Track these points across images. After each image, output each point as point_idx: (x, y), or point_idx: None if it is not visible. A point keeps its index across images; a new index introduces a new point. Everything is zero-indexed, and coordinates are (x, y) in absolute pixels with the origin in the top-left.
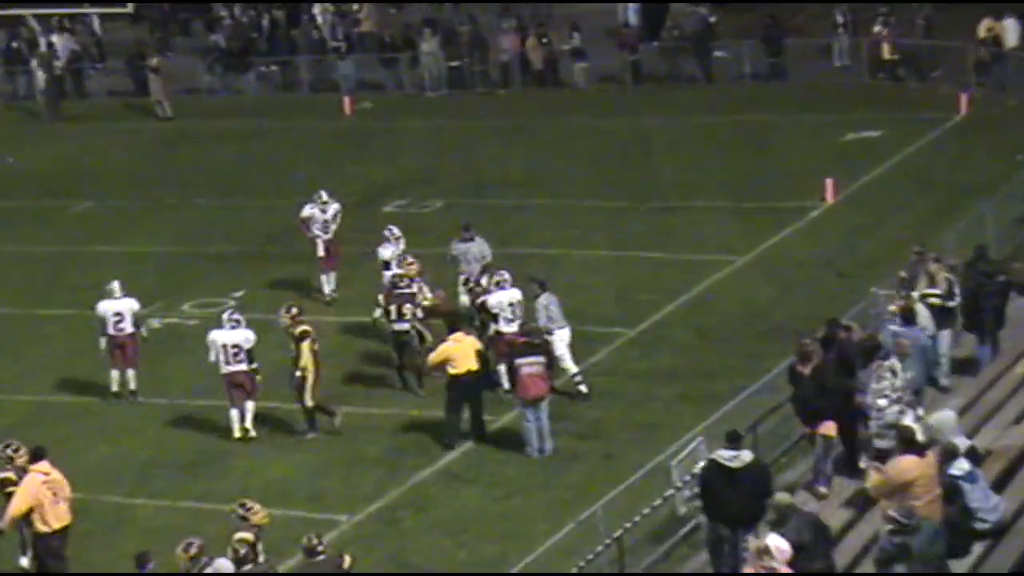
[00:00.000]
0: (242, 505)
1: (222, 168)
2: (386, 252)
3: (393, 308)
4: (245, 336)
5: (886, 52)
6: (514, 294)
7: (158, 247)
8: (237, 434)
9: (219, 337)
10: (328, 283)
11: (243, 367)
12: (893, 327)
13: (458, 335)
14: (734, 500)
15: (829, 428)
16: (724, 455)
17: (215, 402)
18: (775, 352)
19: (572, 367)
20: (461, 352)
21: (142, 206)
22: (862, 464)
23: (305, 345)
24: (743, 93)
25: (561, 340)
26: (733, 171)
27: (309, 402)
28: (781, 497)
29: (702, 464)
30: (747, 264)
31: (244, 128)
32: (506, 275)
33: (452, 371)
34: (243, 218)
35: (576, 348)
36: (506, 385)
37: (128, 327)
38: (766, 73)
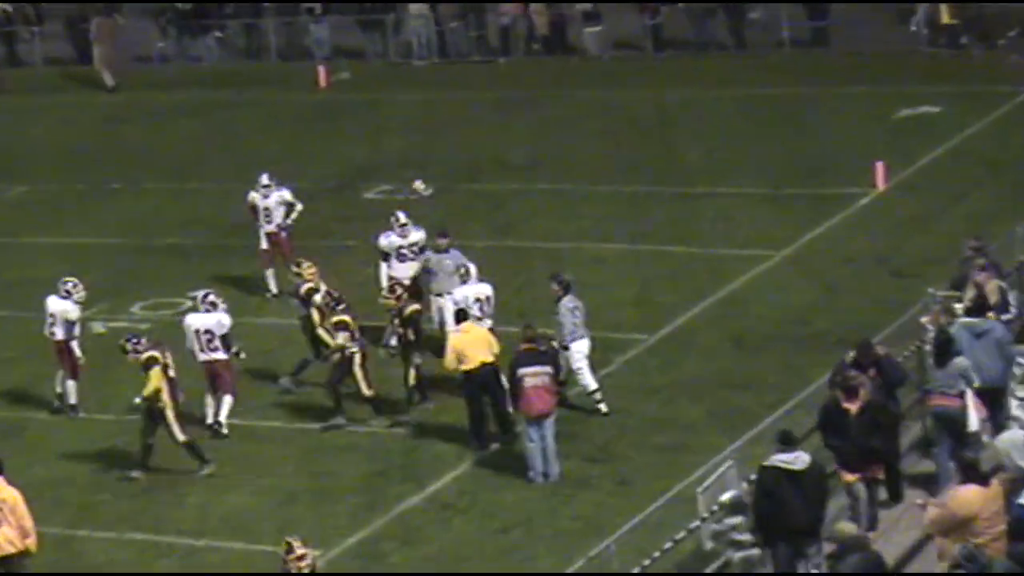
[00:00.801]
0: (289, 549)
1: (176, 148)
2: (383, 241)
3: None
4: (218, 320)
5: (945, 15)
6: (482, 288)
7: (102, 238)
8: (210, 419)
9: (193, 321)
10: (272, 280)
11: (218, 355)
12: (965, 319)
13: (466, 325)
14: (801, 508)
15: (878, 471)
16: (784, 458)
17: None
18: (817, 362)
19: (592, 383)
20: (472, 343)
21: (83, 191)
22: (919, 500)
23: (154, 373)
24: (781, 61)
25: (579, 351)
26: (769, 152)
27: (181, 436)
28: (845, 527)
29: (728, 489)
30: (785, 260)
31: (202, 101)
32: (472, 268)
33: (465, 367)
34: (201, 205)
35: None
36: None
37: (59, 333)
38: (807, 38)
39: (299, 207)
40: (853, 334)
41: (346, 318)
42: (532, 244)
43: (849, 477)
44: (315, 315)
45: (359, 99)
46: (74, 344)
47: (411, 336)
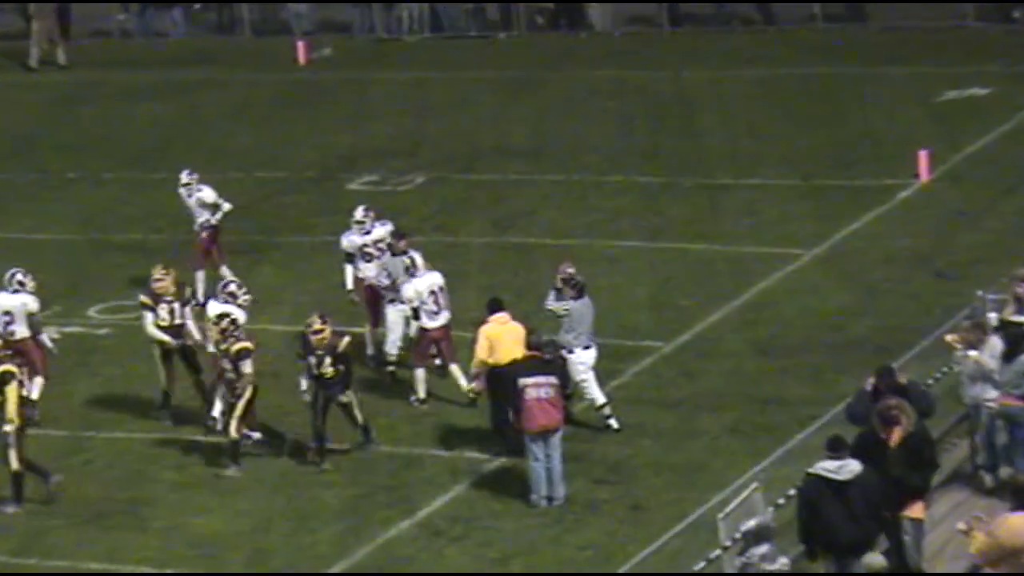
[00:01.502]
0: None
1: (139, 133)
2: (345, 241)
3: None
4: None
5: None
6: (434, 279)
7: (55, 234)
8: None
9: (213, 310)
10: (199, 283)
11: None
12: None
13: (502, 316)
14: (844, 522)
15: (918, 509)
16: (829, 466)
17: (128, 434)
18: (853, 373)
19: (599, 396)
20: (506, 336)
21: (34, 181)
22: (960, 526)
23: (10, 390)
24: (812, 38)
25: (584, 361)
26: (800, 139)
27: (15, 464)
28: (873, 562)
29: (753, 515)
30: (817, 259)
31: (168, 81)
32: (418, 258)
33: (492, 360)
34: (166, 197)
35: (597, 367)
36: (422, 394)
37: (20, 330)
38: (842, 13)
39: (226, 207)
40: (893, 341)
41: (249, 344)
42: (536, 241)
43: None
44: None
45: (343, 79)
46: (44, 337)
47: (344, 371)
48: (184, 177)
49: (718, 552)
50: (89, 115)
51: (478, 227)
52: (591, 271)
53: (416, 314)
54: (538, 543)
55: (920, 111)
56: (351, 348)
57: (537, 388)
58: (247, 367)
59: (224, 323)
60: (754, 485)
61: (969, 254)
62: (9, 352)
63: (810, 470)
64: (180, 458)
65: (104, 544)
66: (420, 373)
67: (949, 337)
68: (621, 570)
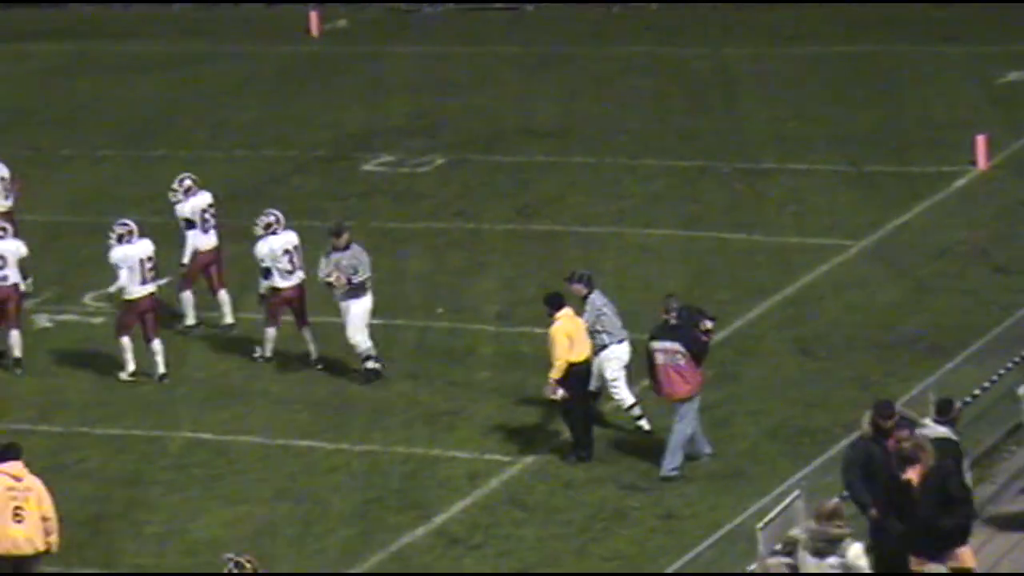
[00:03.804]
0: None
1: (139, 108)
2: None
3: None
4: (151, 247)
5: None
6: (289, 237)
7: (46, 215)
8: (132, 367)
9: (133, 252)
10: None
11: (155, 287)
12: None
13: (568, 311)
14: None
15: (967, 556)
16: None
17: (124, 431)
18: (903, 375)
19: (628, 397)
20: (579, 331)
21: (25, 158)
22: None
23: None
24: (862, 13)
25: (617, 359)
26: (848, 122)
27: None
28: None
29: (794, 525)
30: (866, 252)
31: (169, 53)
32: (279, 216)
33: (572, 358)
34: (166, 177)
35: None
36: (268, 353)
37: (12, 275)
38: None
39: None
40: (946, 341)
41: None
42: (563, 228)
43: (931, 565)
44: None
45: (358, 51)
46: (29, 282)
47: None
48: None
49: (754, 566)
50: (85, 88)
51: (501, 213)
52: (622, 262)
53: (267, 273)
54: (562, 553)
55: (979, 93)
56: None
57: (664, 354)
58: None
59: None
60: (796, 493)
61: None
62: None
63: None
64: (179, 458)
65: (95, 550)
66: (271, 332)
67: None
68: None
